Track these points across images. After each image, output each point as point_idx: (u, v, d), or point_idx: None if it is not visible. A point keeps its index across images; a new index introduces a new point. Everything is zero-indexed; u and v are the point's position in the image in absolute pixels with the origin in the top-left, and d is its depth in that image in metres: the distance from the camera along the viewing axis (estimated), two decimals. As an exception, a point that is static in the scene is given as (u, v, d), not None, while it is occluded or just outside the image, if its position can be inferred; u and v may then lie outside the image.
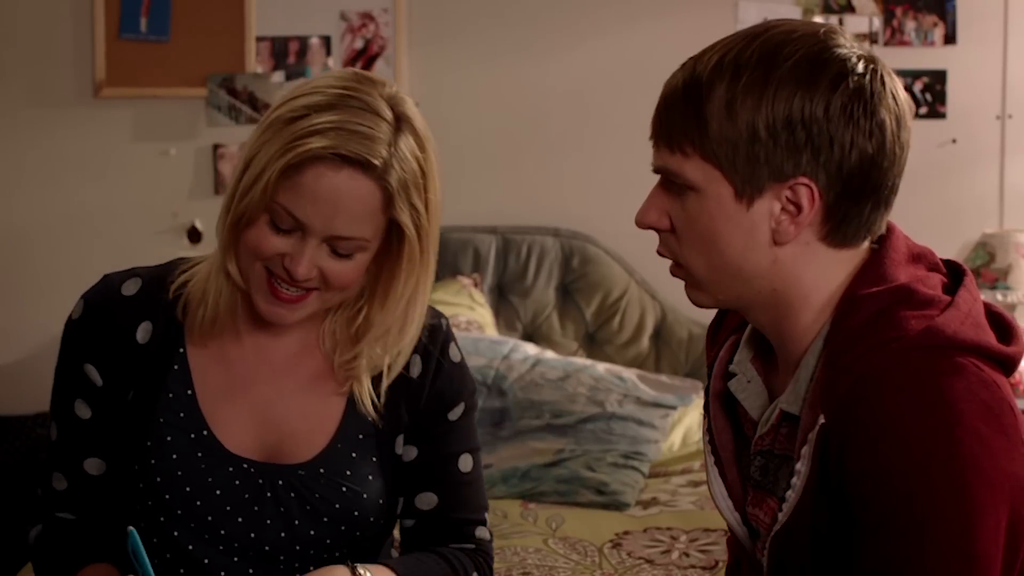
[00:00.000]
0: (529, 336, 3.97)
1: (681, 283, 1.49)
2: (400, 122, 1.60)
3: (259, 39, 4.01)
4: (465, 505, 1.76)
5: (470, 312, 3.81)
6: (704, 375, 1.61)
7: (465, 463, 1.76)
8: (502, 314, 4.00)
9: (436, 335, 1.74)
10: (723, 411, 1.56)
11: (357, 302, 1.68)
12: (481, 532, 1.78)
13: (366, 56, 4.04)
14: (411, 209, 1.60)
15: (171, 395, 1.67)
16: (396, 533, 1.85)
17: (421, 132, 1.63)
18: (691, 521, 2.93)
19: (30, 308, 3.97)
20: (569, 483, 3.12)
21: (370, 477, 1.70)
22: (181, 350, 1.69)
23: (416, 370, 1.72)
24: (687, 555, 2.75)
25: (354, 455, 1.69)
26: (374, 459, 1.70)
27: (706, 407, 1.58)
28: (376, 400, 1.69)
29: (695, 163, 1.40)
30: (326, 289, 1.61)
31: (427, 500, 1.75)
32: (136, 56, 3.98)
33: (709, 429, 1.57)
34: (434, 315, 1.75)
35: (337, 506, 1.68)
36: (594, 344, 4.00)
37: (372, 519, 1.70)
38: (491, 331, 3.84)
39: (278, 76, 4.02)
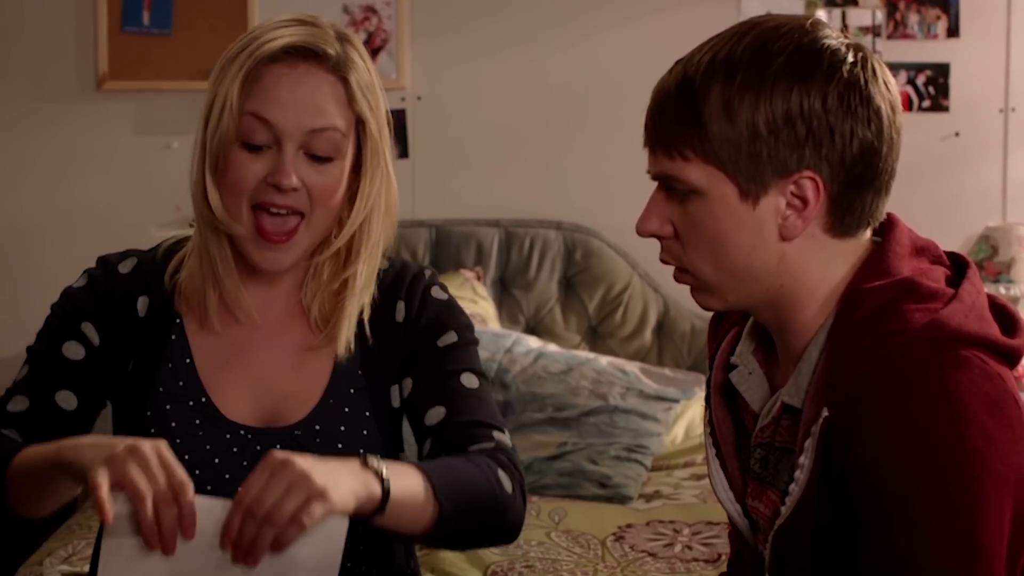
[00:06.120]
0: (532, 329, 3.97)
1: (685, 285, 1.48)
2: (344, 37, 1.68)
3: (262, 32, 4.01)
4: (476, 412, 1.69)
5: (473, 305, 3.81)
6: (706, 368, 1.61)
7: (469, 380, 1.72)
8: (505, 307, 4.00)
9: (418, 281, 1.75)
10: (724, 403, 1.56)
11: (335, 258, 1.71)
12: (500, 436, 1.68)
13: (369, 49, 4.03)
14: (370, 110, 1.66)
15: (170, 364, 1.70)
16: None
17: (364, 53, 1.70)
18: (694, 514, 2.94)
19: (34, 301, 3.96)
20: (572, 476, 3.12)
21: (365, 432, 1.70)
22: (178, 321, 1.72)
23: (401, 315, 1.74)
24: (690, 548, 2.75)
25: (347, 410, 1.70)
26: (367, 414, 1.70)
27: (707, 399, 1.58)
28: (355, 340, 1.70)
29: (696, 166, 1.40)
30: (311, 210, 1.64)
31: (435, 414, 1.70)
32: (139, 49, 3.98)
33: (710, 421, 1.57)
34: (419, 267, 1.78)
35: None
36: (597, 337, 4.00)
37: None
38: (494, 324, 3.85)
39: (281, 69, 4.02)
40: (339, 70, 1.64)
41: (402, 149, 4.07)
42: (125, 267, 1.75)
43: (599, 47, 4.07)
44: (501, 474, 1.61)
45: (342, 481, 1.40)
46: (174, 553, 1.37)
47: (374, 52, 4.04)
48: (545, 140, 4.09)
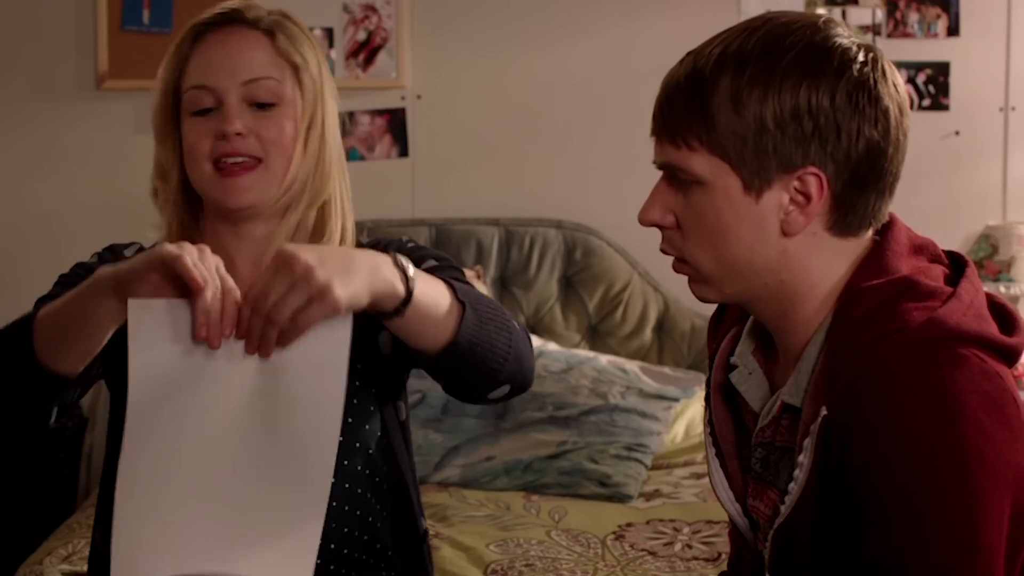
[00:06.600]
0: (532, 328, 3.97)
1: (684, 276, 1.48)
2: (277, 11, 1.77)
3: (262, 31, 4.01)
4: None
5: (473, 304, 3.81)
6: (706, 367, 1.61)
7: (461, 283, 1.64)
8: (505, 306, 3.98)
9: (391, 244, 1.77)
10: (724, 403, 1.56)
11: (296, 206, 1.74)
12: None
13: (369, 48, 4.04)
14: (303, 59, 1.73)
15: None
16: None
17: (300, 21, 1.78)
18: (694, 513, 2.94)
19: (33, 299, 3.97)
20: (572, 475, 3.12)
21: (357, 383, 1.70)
22: None
23: None
24: (690, 547, 2.75)
25: (357, 383, 1.70)
26: (359, 366, 1.68)
27: (707, 399, 1.58)
28: None
29: (702, 157, 1.40)
30: (267, 156, 1.69)
31: None
32: (139, 48, 3.98)
33: (710, 421, 1.57)
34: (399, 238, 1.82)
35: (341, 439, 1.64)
36: (597, 336, 4.00)
37: (375, 447, 1.72)
38: (494, 323, 3.84)
39: (281, 68, 4.01)
40: (264, 26, 1.73)
41: (402, 148, 4.07)
42: (130, 253, 1.81)
43: (599, 47, 4.07)
44: (510, 319, 1.61)
45: (357, 275, 1.40)
46: (218, 347, 1.42)
47: (374, 51, 4.04)
48: (545, 139, 4.09)
